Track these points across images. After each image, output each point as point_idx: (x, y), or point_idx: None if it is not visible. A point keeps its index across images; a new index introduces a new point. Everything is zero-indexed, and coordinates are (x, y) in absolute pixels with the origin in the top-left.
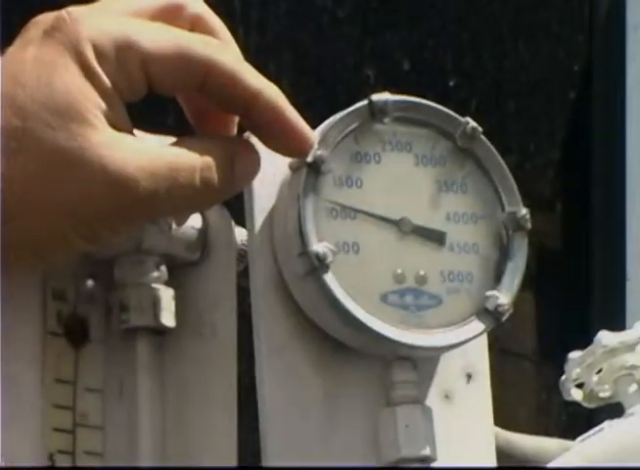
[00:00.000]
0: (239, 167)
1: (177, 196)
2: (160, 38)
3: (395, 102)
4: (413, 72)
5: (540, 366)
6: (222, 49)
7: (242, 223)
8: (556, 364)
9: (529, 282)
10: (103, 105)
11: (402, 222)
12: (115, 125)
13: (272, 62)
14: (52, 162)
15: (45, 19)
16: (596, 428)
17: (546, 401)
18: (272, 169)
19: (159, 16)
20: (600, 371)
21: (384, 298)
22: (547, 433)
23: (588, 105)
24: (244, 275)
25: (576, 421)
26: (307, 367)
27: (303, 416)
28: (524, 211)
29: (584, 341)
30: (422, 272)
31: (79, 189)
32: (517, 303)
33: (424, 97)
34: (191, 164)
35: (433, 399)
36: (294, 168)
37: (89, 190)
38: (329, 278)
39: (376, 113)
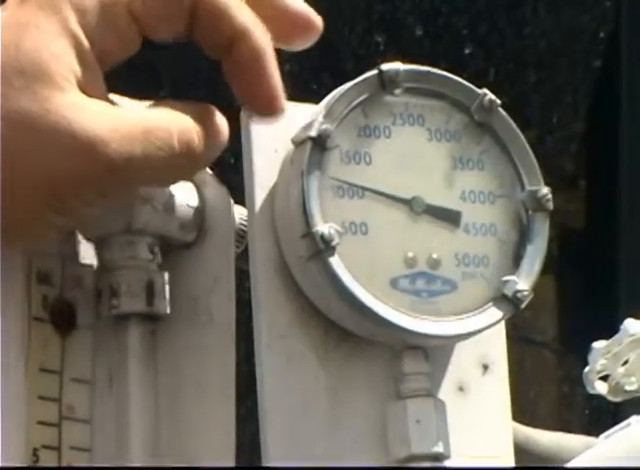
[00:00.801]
0: (212, 132)
1: (154, 160)
2: None
3: (407, 72)
4: (426, 39)
5: (562, 356)
6: None
7: (241, 202)
8: (579, 354)
9: (551, 265)
10: (76, 67)
11: (414, 202)
12: (87, 90)
13: None
14: (16, 126)
15: None
16: (622, 423)
17: (568, 394)
18: (274, 144)
19: None
20: (626, 362)
21: (394, 283)
22: (569, 428)
23: (615, 74)
24: (243, 258)
25: (601, 416)
26: (310, 357)
27: (306, 410)
28: (545, 190)
29: (610, 329)
30: (435, 255)
31: (44, 155)
32: (537, 288)
33: (437, 66)
34: (167, 125)
35: (446, 392)
36: (297, 143)
37: (54, 155)
38: (335, 261)
39: (386, 83)
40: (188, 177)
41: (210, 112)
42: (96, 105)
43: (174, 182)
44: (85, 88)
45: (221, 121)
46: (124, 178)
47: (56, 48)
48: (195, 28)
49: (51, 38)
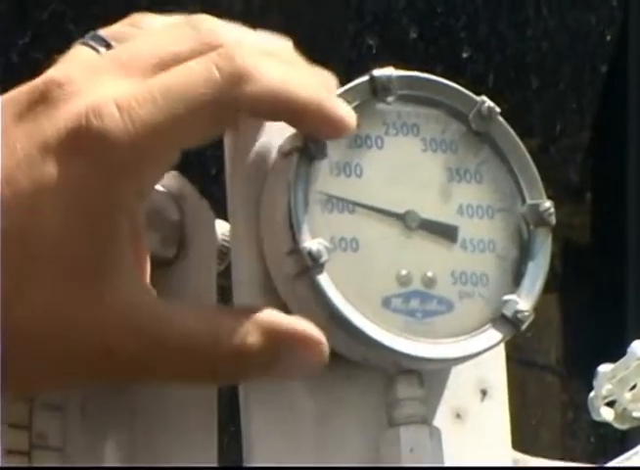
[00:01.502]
0: (287, 355)
1: (191, 378)
2: (186, 118)
3: (400, 78)
4: (421, 42)
5: (566, 380)
6: (251, 74)
7: (224, 216)
8: (584, 378)
9: (554, 283)
10: (133, 260)
11: (408, 216)
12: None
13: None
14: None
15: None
16: (630, 452)
17: (573, 421)
18: (258, 155)
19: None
20: (634, 387)
21: (386, 302)
22: (574, 457)
23: (622, 79)
24: (225, 275)
25: (607, 444)
26: (297, 383)
27: (293, 439)
28: (547, 203)
29: (618, 351)
30: (430, 273)
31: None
32: (539, 307)
33: (433, 71)
34: (212, 343)
35: (442, 419)
36: (283, 153)
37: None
38: (323, 279)
39: (378, 90)
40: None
41: (298, 329)
42: (146, 304)
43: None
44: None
45: (316, 344)
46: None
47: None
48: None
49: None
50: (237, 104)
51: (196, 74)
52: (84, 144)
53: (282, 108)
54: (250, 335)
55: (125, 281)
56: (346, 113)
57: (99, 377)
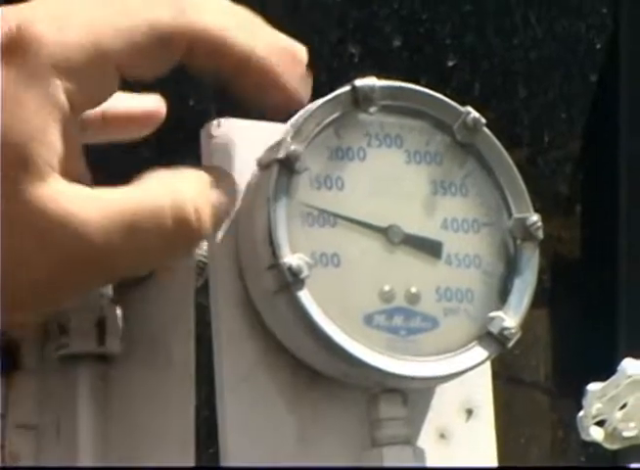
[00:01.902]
0: (216, 200)
1: (146, 247)
2: (131, 27)
3: (383, 88)
4: (405, 50)
5: (556, 398)
6: (201, 10)
7: None
8: (574, 396)
9: (543, 298)
10: (58, 145)
11: (391, 231)
12: (68, 166)
13: None
14: None
15: None
16: None
17: (562, 440)
18: (237, 166)
19: None
20: (624, 406)
21: (368, 319)
22: None
23: (613, 88)
24: (203, 292)
25: (598, 464)
26: (278, 401)
27: (273, 459)
28: (534, 217)
29: (608, 368)
30: (413, 289)
31: (25, 252)
32: (528, 323)
33: (417, 80)
34: (159, 205)
35: (426, 439)
36: (263, 166)
37: (35, 251)
38: (304, 296)
39: (360, 101)
40: (185, 255)
41: (212, 175)
42: (77, 193)
43: (171, 261)
44: (67, 168)
45: (228, 182)
46: (109, 271)
47: (38, 125)
48: (191, 64)
49: (32, 114)
50: (186, 29)
51: (152, 4)
52: (16, 51)
53: (230, 48)
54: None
55: (57, 180)
56: (298, 81)
57: (57, 287)
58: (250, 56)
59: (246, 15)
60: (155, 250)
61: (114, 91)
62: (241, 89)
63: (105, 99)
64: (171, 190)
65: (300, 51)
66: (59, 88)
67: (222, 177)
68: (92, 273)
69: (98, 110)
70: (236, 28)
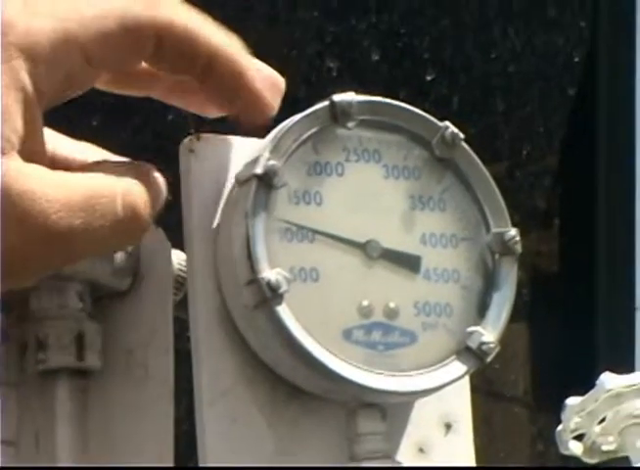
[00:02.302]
0: (154, 191)
1: (97, 229)
2: (99, 16)
3: (361, 103)
4: (384, 64)
5: (535, 412)
6: (172, 4)
7: (180, 245)
8: (554, 410)
9: (522, 312)
10: (19, 125)
11: (369, 246)
12: (28, 147)
13: None
14: None
15: None
16: None
17: (542, 454)
18: (216, 182)
19: None
20: (603, 420)
21: (347, 334)
22: None
23: (591, 102)
24: (182, 306)
25: None
26: (256, 417)
27: None
28: (512, 231)
29: (587, 382)
30: (392, 304)
31: None
32: (507, 337)
33: (396, 95)
34: (110, 190)
35: (405, 454)
36: (241, 181)
37: None
38: (282, 311)
39: (338, 116)
40: (134, 242)
41: (149, 169)
42: (35, 172)
43: (121, 248)
44: (26, 145)
45: (159, 178)
46: (63, 250)
47: (0, 103)
48: (160, 60)
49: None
50: (156, 21)
51: None
52: None
53: (200, 43)
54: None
55: (16, 158)
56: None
57: (16, 263)
58: (220, 53)
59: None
60: (107, 234)
61: (85, 81)
62: (210, 90)
63: (73, 88)
64: (122, 179)
65: (279, 78)
66: (23, 71)
67: (154, 173)
68: (51, 252)
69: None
70: (207, 26)
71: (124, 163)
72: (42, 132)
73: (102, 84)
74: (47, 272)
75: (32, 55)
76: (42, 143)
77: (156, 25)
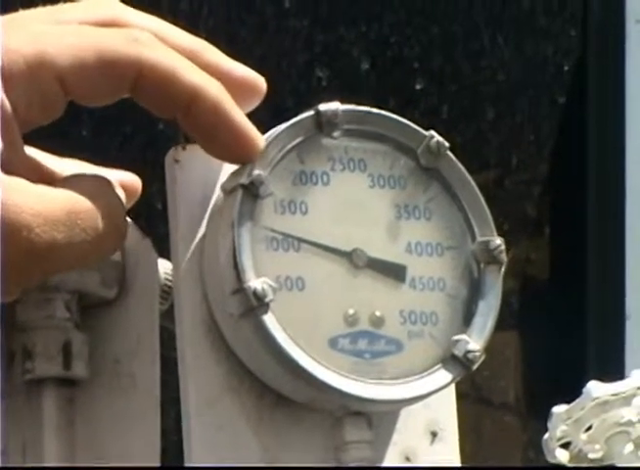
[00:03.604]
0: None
1: (78, 243)
2: (78, 45)
3: (346, 112)
4: (373, 74)
5: (525, 420)
6: (152, 44)
7: (164, 254)
8: (543, 418)
9: (512, 320)
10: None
11: (355, 255)
12: (9, 163)
13: None
14: None
15: None
16: None
17: (531, 461)
18: (202, 191)
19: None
20: (590, 428)
21: (333, 343)
22: None
23: (581, 111)
24: (168, 316)
25: None
26: (243, 425)
27: None
28: (497, 240)
29: (578, 390)
30: (378, 313)
31: None
32: (498, 345)
33: (385, 103)
34: (91, 205)
35: (391, 462)
36: (227, 191)
37: None
38: (268, 319)
39: (324, 125)
40: (111, 254)
41: (127, 178)
42: (19, 184)
43: (96, 261)
44: (7, 162)
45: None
46: (45, 263)
47: None
48: (140, 95)
49: None
50: (138, 61)
51: (105, 31)
52: None
53: (178, 83)
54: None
55: None
56: (249, 127)
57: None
58: (199, 94)
59: (201, 45)
60: (88, 248)
61: (59, 108)
62: (190, 128)
63: (48, 114)
64: (101, 193)
65: (259, 81)
66: None
67: (131, 180)
68: (34, 265)
69: None
70: (186, 66)
71: (100, 176)
72: (23, 150)
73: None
74: (27, 286)
75: (7, 74)
76: (23, 160)
77: (134, 63)
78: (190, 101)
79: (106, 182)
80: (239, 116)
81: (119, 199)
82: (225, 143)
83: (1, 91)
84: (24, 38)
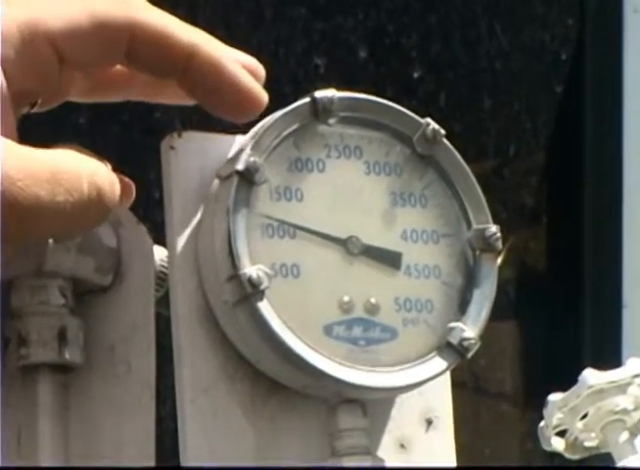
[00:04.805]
0: (123, 183)
1: (62, 203)
2: (71, 10)
3: (342, 99)
4: (371, 62)
5: (522, 409)
6: (146, 6)
7: (161, 242)
8: (540, 407)
9: (509, 309)
10: None
11: (350, 242)
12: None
13: None
14: None
15: None
16: None
17: (530, 452)
18: (197, 178)
19: None
20: (585, 416)
21: (328, 330)
22: None
23: (579, 100)
24: (164, 302)
25: None
26: (238, 412)
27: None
28: (493, 228)
29: (574, 379)
30: (373, 300)
31: None
32: (495, 335)
33: (383, 92)
34: (76, 168)
35: (386, 450)
36: (223, 177)
37: None
38: (263, 307)
39: (319, 112)
40: (95, 225)
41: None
42: (3, 141)
43: (81, 231)
44: None
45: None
46: (28, 220)
47: None
48: (136, 61)
49: None
50: (131, 23)
51: None
52: None
53: (173, 41)
54: None
55: None
56: (250, 81)
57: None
58: (196, 51)
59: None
60: (72, 211)
61: (53, 76)
62: (190, 88)
63: (43, 81)
64: (88, 161)
65: (259, 68)
66: None
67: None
68: (17, 220)
69: None
70: (180, 25)
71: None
72: (12, 119)
73: (78, 94)
74: (13, 243)
75: (1, 40)
76: (11, 128)
77: (128, 25)
78: (187, 59)
79: (95, 155)
80: (239, 71)
81: (107, 170)
82: (229, 99)
83: None
84: (16, 5)
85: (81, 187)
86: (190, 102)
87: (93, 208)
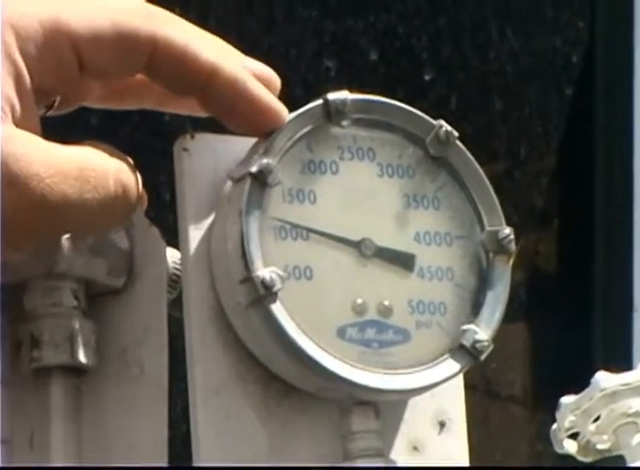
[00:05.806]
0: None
1: (89, 200)
2: (95, 16)
3: (355, 101)
4: (382, 64)
5: (533, 412)
6: (169, 20)
7: (173, 243)
8: (551, 410)
9: (520, 312)
10: (13, 97)
11: (363, 244)
12: (21, 123)
13: None
14: None
15: None
16: None
17: (540, 454)
18: (210, 180)
19: None
20: (598, 419)
21: (341, 332)
22: None
23: (589, 102)
24: (176, 305)
25: None
26: (250, 414)
27: None
28: (507, 230)
29: (585, 381)
30: (386, 302)
31: None
32: (506, 337)
33: (394, 94)
34: (103, 165)
35: (398, 452)
36: (235, 179)
37: None
38: (276, 309)
39: (332, 114)
40: (121, 222)
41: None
42: (30, 139)
43: (107, 228)
44: (19, 121)
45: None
46: (56, 218)
47: None
48: (155, 73)
49: None
50: (153, 36)
51: (121, 4)
52: None
53: (193, 58)
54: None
55: (9, 124)
56: (270, 99)
57: (11, 226)
58: (215, 70)
59: (216, 39)
60: (98, 208)
61: (73, 80)
62: (209, 106)
63: (61, 83)
64: (113, 158)
65: (274, 77)
66: (14, 47)
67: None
68: (45, 217)
69: None
70: (201, 42)
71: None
72: (36, 115)
73: (94, 100)
74: (41, 240)
75: (23, 35)
76: (36, 124)
77: (149, 37)
78: (207, 78)
79: (117, 151)
80: (258, 88)
81: (132, 167)
82: (247, 117)
83: (17, 52)
84: (41, 4)
85: (108, 184)
86: (205, 114)
87: (119, 204)
